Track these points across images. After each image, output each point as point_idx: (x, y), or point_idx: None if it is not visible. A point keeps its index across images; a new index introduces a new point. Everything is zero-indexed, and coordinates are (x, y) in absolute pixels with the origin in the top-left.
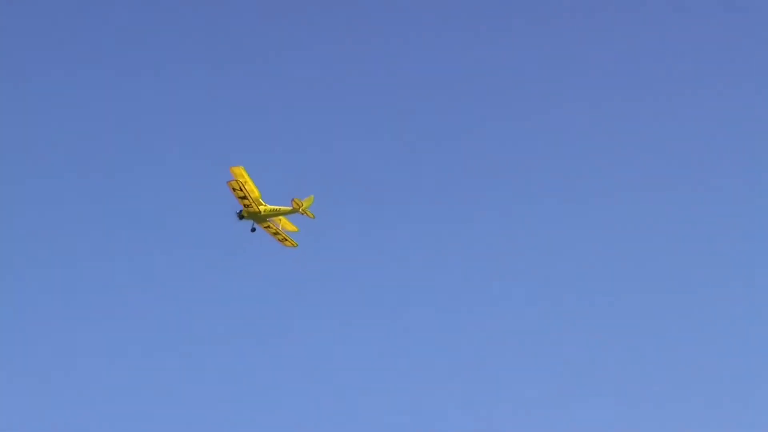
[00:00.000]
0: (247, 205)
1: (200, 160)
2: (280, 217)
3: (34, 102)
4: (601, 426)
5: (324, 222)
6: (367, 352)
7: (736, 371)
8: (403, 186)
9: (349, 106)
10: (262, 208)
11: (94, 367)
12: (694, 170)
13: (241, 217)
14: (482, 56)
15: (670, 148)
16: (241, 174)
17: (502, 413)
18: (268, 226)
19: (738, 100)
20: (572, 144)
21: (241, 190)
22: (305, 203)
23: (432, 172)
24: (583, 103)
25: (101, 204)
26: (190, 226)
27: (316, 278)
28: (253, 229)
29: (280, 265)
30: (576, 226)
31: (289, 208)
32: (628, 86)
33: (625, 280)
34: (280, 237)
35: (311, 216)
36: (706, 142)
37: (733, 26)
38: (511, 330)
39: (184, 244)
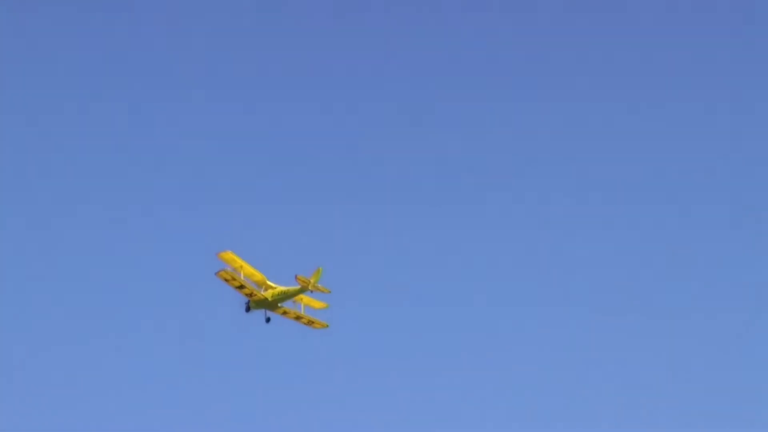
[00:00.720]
0: (250, 294)
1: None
2: (301, 296)
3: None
4: None
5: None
6: None
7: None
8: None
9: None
10: (269, 293)
11: None
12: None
13: (248, 309)
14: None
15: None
16: (233, 259)
17: None
18: (286, 312)
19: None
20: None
21: (234, 279)
22: (313, 279)
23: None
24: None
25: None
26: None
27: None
28: (268, 320)
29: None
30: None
31: (297, 287)
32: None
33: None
34: (304, 321)
35: (325, 291)
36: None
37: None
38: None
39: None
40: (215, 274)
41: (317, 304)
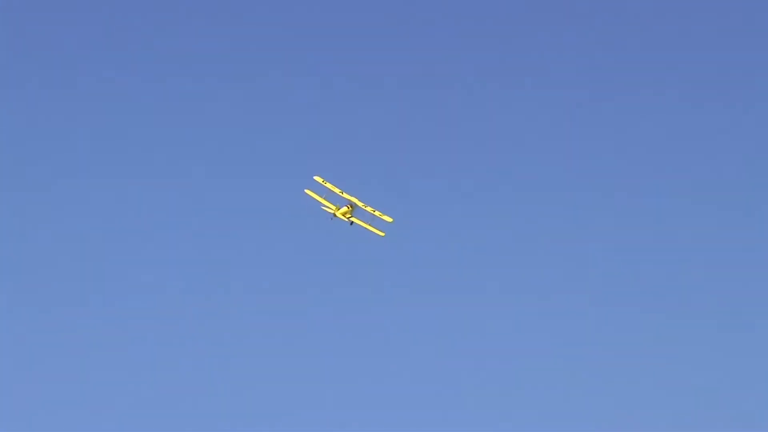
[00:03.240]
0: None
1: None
2: (375, 211)
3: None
4: None
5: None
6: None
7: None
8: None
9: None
10: (341, 210)
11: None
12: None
13: (333, 217)
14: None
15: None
16: (322, 182)
17: None
18: (357, 221)
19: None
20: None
21: (318, 198)
22: (342, 210)
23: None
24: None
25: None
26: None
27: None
28: (351, 223)
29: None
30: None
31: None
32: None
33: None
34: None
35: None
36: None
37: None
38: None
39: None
40: (304, 190)
41: (386, 218)
